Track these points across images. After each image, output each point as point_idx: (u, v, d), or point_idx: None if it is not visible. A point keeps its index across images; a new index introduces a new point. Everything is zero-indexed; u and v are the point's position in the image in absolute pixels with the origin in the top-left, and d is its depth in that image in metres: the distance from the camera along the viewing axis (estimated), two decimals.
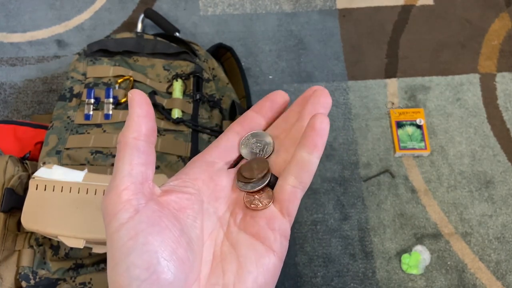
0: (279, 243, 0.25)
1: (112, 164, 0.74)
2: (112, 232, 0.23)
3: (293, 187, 0.26)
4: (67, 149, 0.75)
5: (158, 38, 0.91)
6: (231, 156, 0.29)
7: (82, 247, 0.62)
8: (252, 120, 0.29)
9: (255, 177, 0.27)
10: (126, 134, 0.24)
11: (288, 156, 0.28)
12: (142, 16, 1.12)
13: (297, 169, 0.26)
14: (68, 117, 0.79)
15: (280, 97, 0.30)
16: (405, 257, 0.92)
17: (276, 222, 0.26)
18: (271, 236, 0.25)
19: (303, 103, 0.29)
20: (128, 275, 0.22)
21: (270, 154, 0.29)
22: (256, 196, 0.27)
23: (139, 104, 0.25)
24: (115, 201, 0.23)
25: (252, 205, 0.27)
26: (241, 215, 0.27)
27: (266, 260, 0.25)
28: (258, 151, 0.29)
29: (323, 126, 0.25)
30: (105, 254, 0.68)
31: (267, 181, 0.27)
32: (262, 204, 0.27)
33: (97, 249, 0.66)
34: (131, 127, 0.24)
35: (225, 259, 0.25)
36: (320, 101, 0.28)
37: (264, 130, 0.30)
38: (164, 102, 0.83)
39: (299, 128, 0.28)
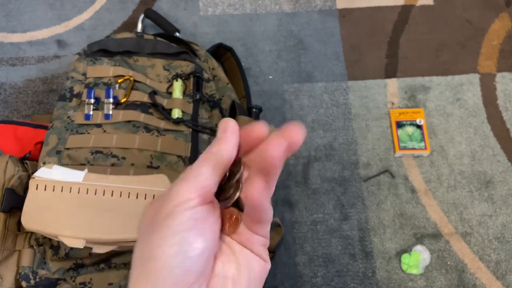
0: (262, 252, 0.31)
1: (112, 164, 0.74)
2: (177, 210, 0.26)
3: (252, 224, 0.30)
4: (67, 149, 0.75)
5: (158, 38, 0.91)
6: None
7: (82, 247, 0.62)
8: (230, 161, 0.31)
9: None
10: (223, 152, 0.28)
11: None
12: (142, 16, 1.12)
13: (251, 212, 0.30)
14: (68, 117, 0.79)
15: (257, 133, 0.29)
16: (405, 257, 0.92)
17: (252, 238, 0.30)
18: (253, 248, 0.30)
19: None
20: (179, 248, 0.25)
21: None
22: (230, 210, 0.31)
23: (236, 134, 0.29)
24: (189, 189, 0.27)
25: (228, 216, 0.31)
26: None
27: (255, 260, 0.30)
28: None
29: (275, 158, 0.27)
30: (105, 254, 0.68)
31: (236, 197, 0.30)
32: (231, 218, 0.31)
33: (97, 249, 0.66)
34: (229, 148, 0.28)
35: (224, 255, 0.30)
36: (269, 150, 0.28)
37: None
38: (164, 102, 0.83)
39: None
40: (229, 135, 0.28)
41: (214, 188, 0.28)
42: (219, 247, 0.29)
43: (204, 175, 0.27)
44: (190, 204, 0.27)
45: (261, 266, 0.30)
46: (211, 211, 0.28)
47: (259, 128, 0.28)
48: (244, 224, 0.30)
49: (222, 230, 0.30)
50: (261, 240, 0.30)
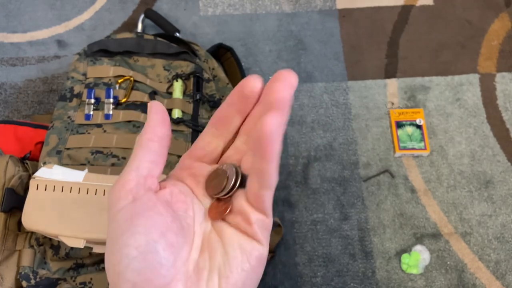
0: (260, 233, 0.27)
1: (112, 164, 0.74)
2: (113, 215, 0.26)
3: (258, 190, 0.27)
4: (68, 149, 0.75)
5: (158, 38, 0.92)
6: (211, 163, 0.30)
7: (82, 247, 0.63)
8: (227, 120, 0.29)
9: (221, 193, 0.29)
10: (142, 136, 0.28)
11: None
12: (142, 16, 1.12)
13: (256, 176, 0.26)
14: (69, 117, 0.80)
15: (249, 88, 0.27)
16: (405, 257, 0.92)
17: (251, 216, 0.27)
18: (250, 229, 0.27)
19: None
20: (121, 253, 0.25)
21: (232, 190, 0.28)
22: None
23: (156, 112, 0.28)
24: (119, 189, 0.26)
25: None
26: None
27: (249, 247, 0.27)
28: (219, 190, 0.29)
29: (270, 129, 0.24)
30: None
31: (237, 185, 0.28)
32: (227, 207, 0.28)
33: (97, 249, 0.66)
34: (147, 130, 0.28)
35: (212, 245, 0.27)
36: (276, 88, 0.27)
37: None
38: (164, 102, 0.83)
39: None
40: (149, 116, 0.28)
41: (153, 174, 0.27)
42: (189, 237, 0.27)
43: (131, 167, 0.27)
44: (121, 204, 0.26)
45: (256, 252, 0.27)
46: (153, 201, 0.26)
47: (250, 85, 0.26)
48: (244, 198, 0.28)
49: (209, 215, 0.29)
50: (260, 220, 0.27)
